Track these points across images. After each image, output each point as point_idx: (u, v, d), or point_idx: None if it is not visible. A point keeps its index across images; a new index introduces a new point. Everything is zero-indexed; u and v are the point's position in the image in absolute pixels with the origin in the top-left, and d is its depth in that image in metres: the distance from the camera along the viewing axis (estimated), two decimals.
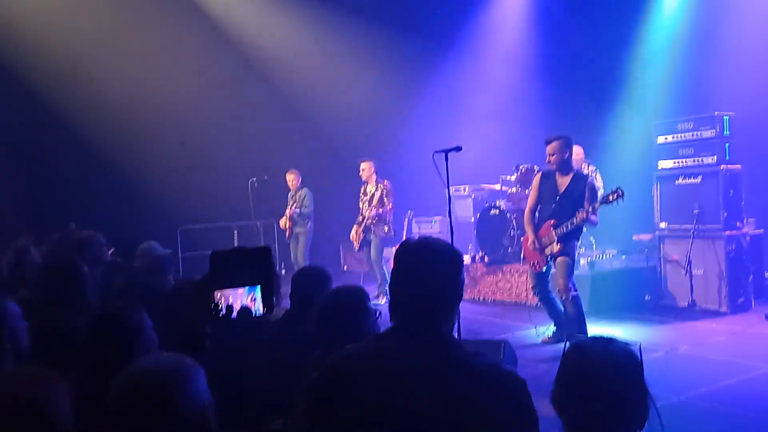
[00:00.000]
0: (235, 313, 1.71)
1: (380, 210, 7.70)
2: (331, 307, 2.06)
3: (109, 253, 4.60)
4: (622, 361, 1.49)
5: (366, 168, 7.88)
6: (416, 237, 1.67)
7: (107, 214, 8.89)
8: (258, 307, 1.73)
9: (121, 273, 4.42)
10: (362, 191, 8.04)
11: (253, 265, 1.75)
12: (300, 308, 2.42)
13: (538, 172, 6.60)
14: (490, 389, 1.46)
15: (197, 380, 1.32)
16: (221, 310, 1.70)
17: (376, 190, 7.82)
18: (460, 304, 5.05)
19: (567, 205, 5.41)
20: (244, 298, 1.73)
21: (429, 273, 1.56)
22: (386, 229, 7.74)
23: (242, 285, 1.73)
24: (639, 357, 1.53)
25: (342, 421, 1.47)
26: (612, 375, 1.46)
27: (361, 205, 7.98)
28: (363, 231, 7.84)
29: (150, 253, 4.29)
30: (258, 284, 1.73)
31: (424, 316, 1.54)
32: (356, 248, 8.08)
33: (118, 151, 9.44)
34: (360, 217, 7.97)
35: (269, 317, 2.70)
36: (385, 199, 7.72)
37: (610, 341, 1.53)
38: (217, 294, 1.71)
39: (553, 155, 5.49)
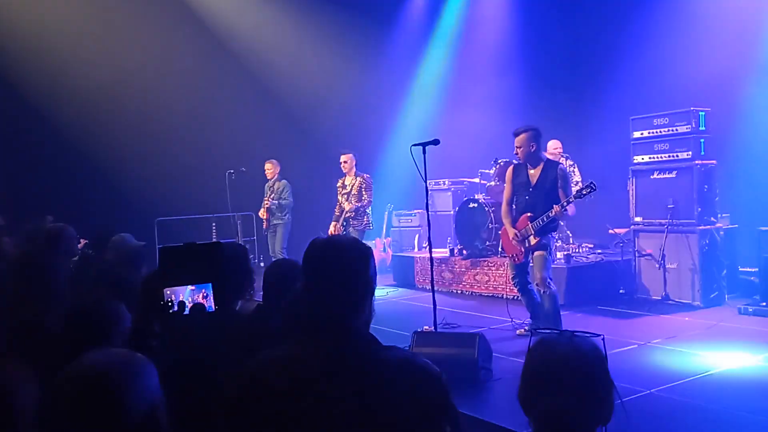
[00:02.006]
0: (187, 310, 1.68)
1: (358, 204, 7.58)
2: (300, 302, 2.04)
3: (80, 245, 4.52)
4: (588, 354, 1.49)
5: (347, 160, 7.73)
6: (323, 237, 1.67)
7: (83, 204, 8.77)
8: (210, 305, 1.70)
9: (93, 265, 4.36)
10: (340, 184, 7.87)
11: (204, 261, 1.72)
12: (271, 302, 2.40)
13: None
14: (404, 383, 1.46)
15: (147, 378, 1.28)
16: (172, 306, 1.66)
17: (355, 182, 7.68)
18: (438, 296, 5.02)
19: (540, 196, 5.45)
20: (195, 295, 1.70)
21: (336, 269, 1.56)
22: (365, 220, 7.64)
23: (193, 282, 1.69)
24: (603, 350, 1.52)
25: (258, 429, 1.46)
26: (579, 369, 1.46)
27: (339, 198, 7.82)
28: (342, 225, 7.67)
29: (123, 246, 4.22)
30: (209, 281, 1.69)
31: (335, 314, 1.53)
32: None
33: (94, 142, 9.30)
34: (337, 211, 7.84)
35: (242, 311, 2.69)
36: (364, 193, 7.60)
37: (573, 335, 1.52)
38: (167, 291, 1.67)
39: (519, 147, 5.50)
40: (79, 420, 1.21)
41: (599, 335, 1.55)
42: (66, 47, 9.11)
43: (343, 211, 7.69)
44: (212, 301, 1.68)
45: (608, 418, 1.48)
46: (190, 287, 1.71)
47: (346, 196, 7.70)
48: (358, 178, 7.67)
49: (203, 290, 1.70)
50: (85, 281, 3.89)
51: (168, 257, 1.72)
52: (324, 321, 1.53)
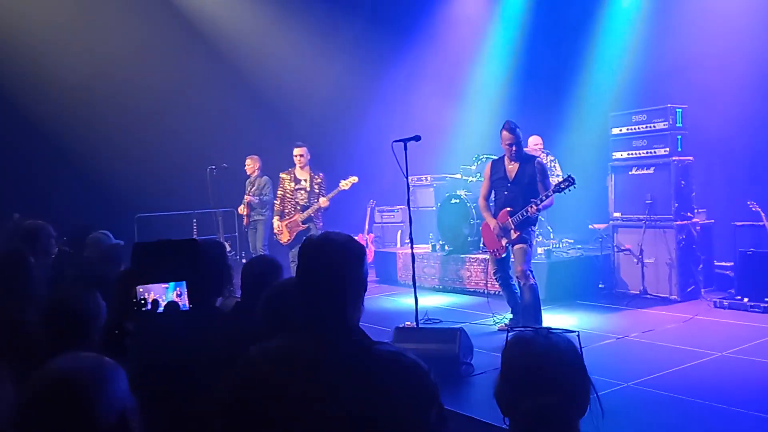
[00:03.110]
0: (161, 308, 1.66)
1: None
2: (277, 299, 2.04)
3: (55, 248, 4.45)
4: (565, 351, 1.50)
5: (304, 153, 7.23)
6: (318, 235, 1.70)
7: (60, 201, 8.65)
8: (184, 303, 1.69)
9: (72, 263, 4.31)
10: (290, 178, 7.34)
11: (179, 258, 1.70)
12: (251, 299, 2.39)
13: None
14: (394, 376, 1.51)
15: (116, 383, 1.27)
16: (145, 305, 1.65)
17: (313, 181, 7.22)
18: (420, 292, 5.04)
19: (519, 191, 5.49)
20: (169, 293, 1.68)
21: (330, 267, 1.60)
22: (321, 223, 7.24)
23: (167, 280, 1.67)
24: (578, 346, 1.53)
25: (254, 423, 1.49)
26: (558, 366, 1.47)
27: (294, 195, 7.27)
28: (304, 221, 7.18)
29: (100, 244, 4.17)
30: (184, 279, 1.68)
31: (329, 310, 1.57)
32: (288, 241, 7.26)
33: (72, 137, 9.17)
34: (279, 206, 7.31)
35: (221, 309, 2.68)
36: (323, 191, 7.24)
37: (549, 332, 1.54)
38: (140, 288, 1.65)
39: (516, 143, 5.51)
40: (48, 427, 1.19)
41: (575, 332, 1.57)
42: (43, 40, 8.96)
43: (297, 206, 7.22)
44: (186, 299, 1.67)
45: (584, 410, 1.50)
46: (163, 285, 1.70)
47: (304, 191, 7.22)
48: (317, 176, 7.28)
49: (177, 288, 1.69)
50: (62, 279, 3.85)
51: (141, 254, 1.70)
52: (318, 316, 1.57)
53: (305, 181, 7.26)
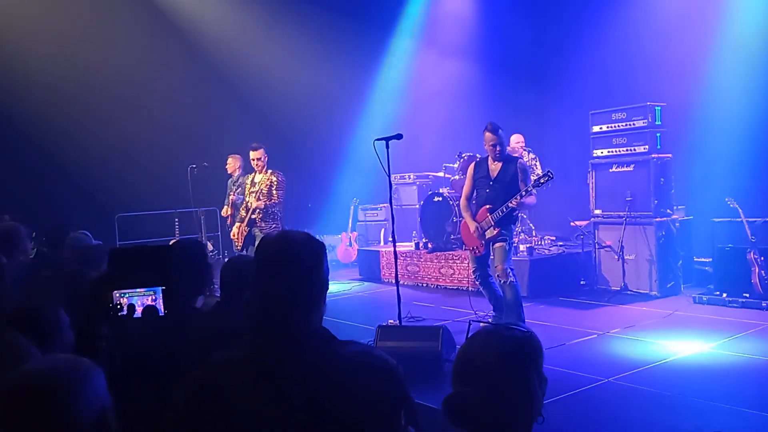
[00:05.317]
0: (139, 312, 1.65)
1: (267, 202, 6.73)
2: None
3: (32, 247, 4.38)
4: (505, 349, 1.44)
5: (261, 156, 6.86)
6: (275, 234, 1.61)
7: (39, 200, 8.52)
8: (159, 308, 1.68)
9: (50, 264, 4.24)
10: (249, 181, 7.08)
11: (154, 265, 1.69)
12: (230, 299, 2.37)
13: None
14: (360, 376, 1.45)
15: (94, 382, 1.25)
16: (121, 310, 1.64)
17: (265, 180, 6.80)
18: (403, 290, 5.03)
19: (500, 189, 5.52)
20: (144, 299, 1.67)
21: (290, 268, 1.51)
22: (274, 225, 6.76)
23: (142, 286, 1.67)
24: (533, 348, 1.47)
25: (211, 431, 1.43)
26: (485, 361, 1.42)
27: (247, 198, 6.98)
28: (248, 225, 6.84)
29: (79, 244, 4.12)
30: (159, 285, 1.67)
31: (289, 312, 1.50)
32: (238, 247, 6.93)
33: (52, 136, 9.04)
34: (243, 212, 7.00)
35: (201, 309, 2.66)
36: (274, 192, 6.73)
37: (507, 329, 1.48)
38: (116, 294, 1.64)
39: (500, 144, 5.53)
40: (27, 428, 1.17)
41: (530, 332, 1.52)
42: (22, 40, 8.82)
43: (249, 210, 6.86)
44: (161, 304, 1.65)
45: (537, 413, 1.44)
46: (138, 290, 1.69)
47: (254, 194, 6.84)
48: (271, 176, 6.82)
49: (152, 294, 1.68)
50: (39, 280, 3.79)
51: (117, 260, 1.69)
52: (278, 320, 1.49)
53: (260, 183, 6.86)
